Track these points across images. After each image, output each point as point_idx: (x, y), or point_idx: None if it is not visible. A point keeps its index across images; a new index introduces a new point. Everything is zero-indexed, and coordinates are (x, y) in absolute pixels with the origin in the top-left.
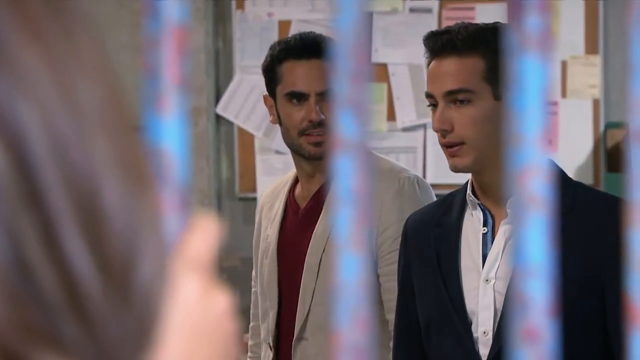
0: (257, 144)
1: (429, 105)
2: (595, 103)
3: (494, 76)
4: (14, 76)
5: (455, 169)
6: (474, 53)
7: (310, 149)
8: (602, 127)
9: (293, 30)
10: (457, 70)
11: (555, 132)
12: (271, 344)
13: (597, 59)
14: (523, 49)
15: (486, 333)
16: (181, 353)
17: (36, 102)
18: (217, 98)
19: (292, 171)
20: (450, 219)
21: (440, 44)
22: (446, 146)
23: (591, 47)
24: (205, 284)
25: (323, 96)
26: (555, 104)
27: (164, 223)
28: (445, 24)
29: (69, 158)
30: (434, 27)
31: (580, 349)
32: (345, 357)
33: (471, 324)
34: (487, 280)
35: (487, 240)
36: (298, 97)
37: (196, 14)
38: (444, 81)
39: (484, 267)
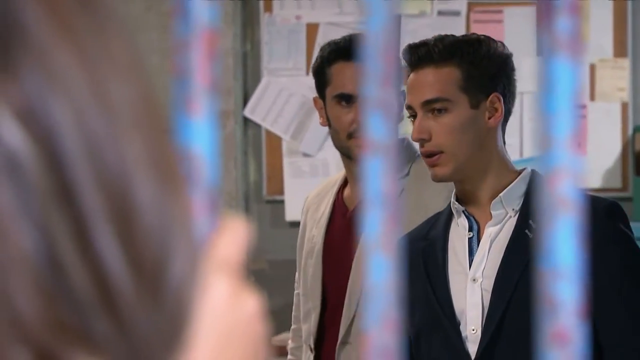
0: (284, 146)
1: (409, 117)
2: (624, 106)
3: (470, 86)
4: (47, 74)
5: (436, 178)
6: (449, 63)
7: (360, 151)
8: (630, 131)
9: (321, 33)
10: (434, 80)
11: (584, 135)
12: (312, 346)
13: (625, 62)
14: (553, 51)
15: (475, 330)
16: (210, 355)
17: (69, 100)
18: (245, 101)
19: (341, 172)
20: (437, 231)
21: (418, 56)
22: (426, 156)
23: (620, 50)
24: (234, 285)
25: None
26: (583, 107)
27: (195, 222)
28: (474, 26)
29: (101, 156)
30: (462, 30)
31: None
32: (375, 358)
33: (459, 324)
34: (474, 280)
35: (473, 244)
36: (347, 99)
37: (224, 17)
38: (422, 91)
39: (471, 268)
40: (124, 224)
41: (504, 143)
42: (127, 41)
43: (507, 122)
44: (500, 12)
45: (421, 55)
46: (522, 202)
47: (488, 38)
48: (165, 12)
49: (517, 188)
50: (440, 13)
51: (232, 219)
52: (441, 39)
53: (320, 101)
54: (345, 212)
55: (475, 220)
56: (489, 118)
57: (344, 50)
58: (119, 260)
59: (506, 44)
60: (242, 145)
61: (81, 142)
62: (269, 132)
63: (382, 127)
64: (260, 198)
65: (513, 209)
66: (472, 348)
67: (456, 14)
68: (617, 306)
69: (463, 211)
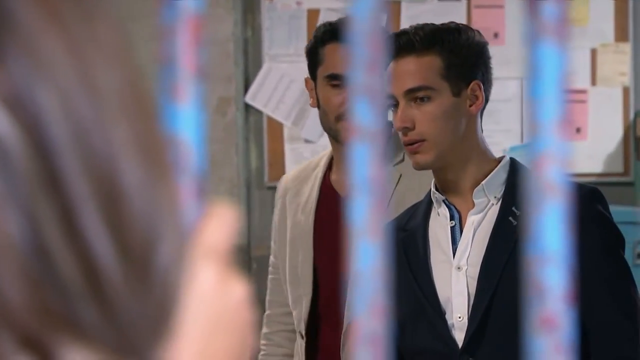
0: (286, 132)
1: (389, 107)
2: (625, 91)
3: (452, 74)
4: (33, 60)
5: (418, 166)
6: (431, 51)
7: (347, 135)
8: (632, 115)
9: (322, 19)
10: (415, 68)
11: (585, 120)
12: (303, 333)
13: (627, 47)
14: (540, 36)
15: (461, 318)
16: (197, 342)
17: (56, 86)
18: (246, 87)
19: (320, 156)
20: (416, 222)
21: (399, 45)
22: (408, 144)
23: (621, 35)
24: (221, 272)
25: None
26: (584, 92)
27: (182, 208)
28: (474, 12)
29: (88, 142)
30: (463, 16)
31: None
32: (362, 345)
33: (445, 312)
34: (458, 268)
35: (456, 233)
36: (338, 79)
37: (225, 3)
38: (404, 80)
39: (455, 256)
40: (111, 210)
41: (482, 131)
42: (114, 27)
43: (484, 109)
44: None
45: (402, 44)
46: (503, 189)
47: (465, 26)
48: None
49: (498, 176)
50: None
51: (219, 206)
52: (421, 28)
53: (311, 82)
54: (334, 196)
55: (456, 209)
56: (470, 106)
57: (338, 32)
58: (106, 245)
59: (506, 29)
60: (244, 132)
61: (68, 128)
62: (270, 119)
63: (369, 113)
64: (262, 184)
65: (495, 197)
66: (459, 336)
67: None
68: (599, 287)
69: (443, 200)
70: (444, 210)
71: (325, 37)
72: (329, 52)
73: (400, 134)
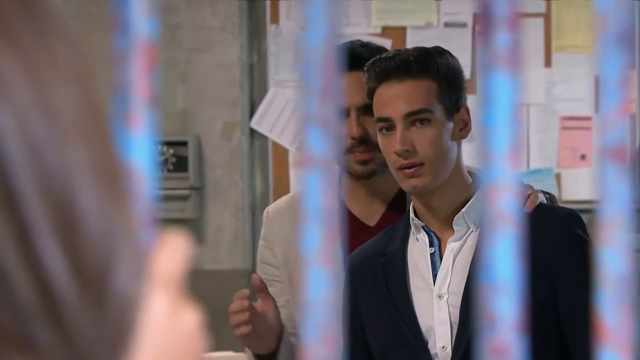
0: (291, 158)
1: (380, 130)
2: (632, 118)
3: (445, 97)
4: None
5: (414, 190)
6: (427, 75)
7: (357, 168)
8: (638, 142)
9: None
10: (415, 91)
11: (589, 147)
12: None
13: (633, 74)
14: (492, 65)
15: (445, 347)
16: None
17: (11, 106)
18: (252, 112)
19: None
20: (394, 246)
21: (394, 66)
22: (406, 168)
23: None
24: (173, 301)
25: (365, 110)
26: (589, 118)
27: (139, 231)
28: (480, 38)
29: (44, 163)
30: (468, 41)
31: None
32: None
33: (427, 343)
34: (439, 296)
35: (436, 260)
36: (341, 111)
37: (231, 28)
38: (403, 103)
39: (436, 284)
40: (67, 232)
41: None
42: (71, 49)
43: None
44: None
45: (398, 65)
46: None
47: (447, 51)
48: (174, 23)
49: (477, 202)
50: (446, 25)
51: (171, 234)
52: (412, 51)
53: None
54: (364, 227)
55: (435, 235)
56: (460, 130)
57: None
58: (62, 267)
59: None
60: (249, 157)
61: (24, 149)
62: (275, 144)
63: (321, 142)
64: None
65: (474, 224)
66: None
67: (462, 25)
68: (577, 310)
69: (423, 227)
70: (423, 237)
71: None
72: None
73: (394, 158)
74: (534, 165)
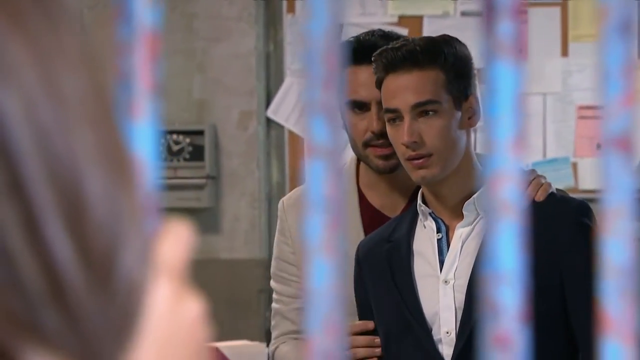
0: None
1: (389, 121)
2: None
3: (453, 87)
4: None
5: (423, 181)
6: (434, 65)
7: (378, 162)
8: None
9: (343, 34)
10: (422, 82)
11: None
12: None
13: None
14: (495, 54)
15: (449, 333)
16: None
17: (19, 91)
18: (268, 101)
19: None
20: (401, 233)
21: (400, 57)
22: (414, 159)
23: None
24: (176, 290)
25: None
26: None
27: (145, 216)
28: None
29: (51, 148)
30: None
31: (548, 356)
32: None
33: (431, 329)
34: (446, 282)
35: (443, 246)
36: (360, 106)
37: (247, 17)
38: (410, 94)
39: (442, 270)
40: (74, 216)
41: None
42: (79, 35)
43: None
44: (524, 12)
45: (404, 56)
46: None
47: (457, 39)
48: (191, 13)
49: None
50: (463, 14)
51: (175, 223)
52: (419, 41)
53: None
54: (385, 221)
55: (443, 222)
56: (469, 118)
57: (353, 54)
58: (68, 251)
59: (530, 44)
60: (265, 146)
61: (31, 135)
62: (291, 133)
63: (325, 130)
64: None
65: (484, 211)
66: (447, 351)
67: (480, 14)
68: (585, 301)
69: (430, 213)
70: (430, 223)
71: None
72: (347, 77)
73: (402, 149)
74: (550, 154)
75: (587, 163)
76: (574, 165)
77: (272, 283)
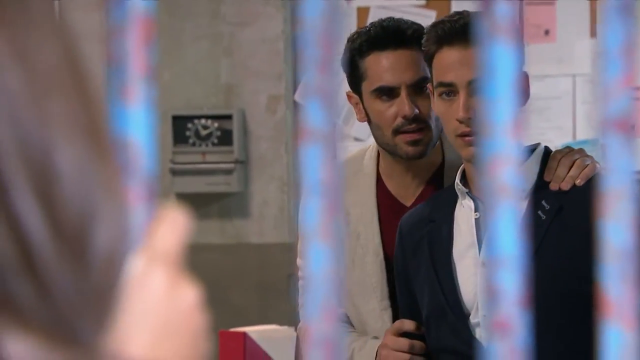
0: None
1: (440, 95)
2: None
3: None
4: None
5: (474, 158)
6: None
7: (408, 149)
8: None
9: (371, 17)
10: (475, 59)
11: (638, 117)
12: None
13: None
14: (493, 36)
15: (487, 316)
16: (147, 347)
17: None
18: (296, 85)
19: (359, 162)
20: (441, 212)
21: (458, 29)
22: (468, 135)
23: None
24: (172, 277)
25: (415, 88)
26: (638, 89)
27: (123, 188)
28: (526, 8)
29: (21, 117)
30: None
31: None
32: (315, 348)
33: (469, 314)
34: (484, 264)
35: (481, 226)
36: (388, 92)
37: (274, 1)
38: (468, 69)
39: (481, 251)
40: (44, 188)
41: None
42: (49, 7)
43: None
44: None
45: (461, 29)
46: (535, 181)
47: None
48: None
49: (529, 168)
50: None
51: (170, 209)
52: (475, 14)
53: (355, 96)
54: (401, 208)
55: (481, 201)
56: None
57: (376, 40)
58: (39, 222)
59: (557, 26)
60: (293, 130)
61: (0, 104)
62: None
63: (321, 114)
64: None
65: (524, 190)
66: (486, 334)
67: None
68: None
69: (467, 192)
70: (468, 202)
71: (364, 48)
72: (371, 65)
73: (455, 124)
74: (580, 136)
75: None
76: (601, 147)
77: (299, 260)
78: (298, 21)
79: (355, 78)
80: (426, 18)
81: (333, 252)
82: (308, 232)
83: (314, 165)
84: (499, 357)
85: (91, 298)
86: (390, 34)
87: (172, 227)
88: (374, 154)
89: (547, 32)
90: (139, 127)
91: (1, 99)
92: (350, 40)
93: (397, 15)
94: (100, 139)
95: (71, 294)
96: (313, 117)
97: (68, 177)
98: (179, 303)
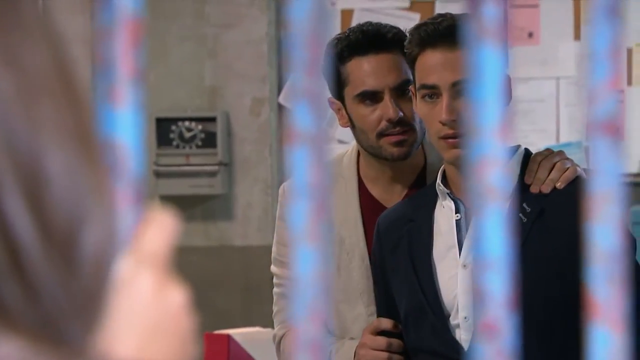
0: None
1: (423, 97)
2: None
3: None
4: None
5: (457, 160)
6: (460, 44)
7: (393, 150)
8: None
9: (355, 19)
10: (460, 60)
11: (622, 120)
12: None
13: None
14: (480, 39)
15: (467, 318)
16: (135, 349)
17: None
18: (280, 88)
19: (338, 166)
20: (422, 212)
21: (441, 32)
22: (452, 137)
23: None
24: (160, 279)
25: (398, 91)
26: (621, 91)
27: (112, 192)
28: (509, 11)
29: (9, 119)
30: None
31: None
32: (302, 351)
33: (449, 315)
34: (464, 266)
35: (462, 227)
36: (371, 96)
37: (259, 3)
38: (451, 71)
39: (461, 253)
40: (33, 190)
41: None
42: (40, 13)
43: None
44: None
45: (445, 31)
46: (516, 183)
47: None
48: None
49: (509, 170)
50: None
51: (158, 212)
52: (458, 16)
53: (337, 102)
54: (383, 211)
55: (462, 202)
56: None
57: (357, 44)
58: (27, 225)
59: (541, 28)
60: (277, 133)
61: None
62: None
63: (309, 116)
64: None
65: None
66: (465, 336)
67: None
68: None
69: (448, 194)
70: (449, 203)
71: (344, 54)
72: (353, 70)
73: (437, 127)
74: (564, 138)
75: None
76: (587, 149)
77: (273, 268)
78: (284, 23)
79: (337, 84)
80: (410, 20)
81: (321, 255)
82: (296, 235)
83: (302, 167)
84: (485, 359)
85: (79, 300)
86: (371, 38)
87: (160, 229)
88: (353, 158)
89: (530, 35)
90: (126, 130)
91: None
92: (330, 46)
93: (381, 17)
94: (88, 142)
95: (59, 296)
96: (301, 119)
97: (57, 181)
98: (166, 305)
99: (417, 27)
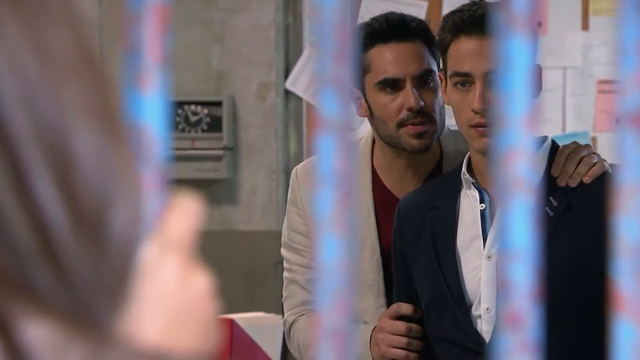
0: None
1: (455, 85)
2: None
3: None
4: None
5: (486, 149)
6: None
7: (413, 142)
8: None
9: (364, 6)
10: (491, 50)
11: None
12: None
13: None
14: (510, 29)
15: (489, 309)
16: (159, 334)
17: (3, 46)
18: (287, 73)
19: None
20: (446, 200)
21: (477, 19)
22: (482, 126)
23: None
24: (184, 264)
25: (420, 81)
26: None
27: (137, 174)
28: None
29: (37, 103)
30: None
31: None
32: (326, 339)
33: (471, 306)
34: (489, 257)
35: (486, 218)
36: (392, 84)
37: None
38: (485, 60)
39: (485, 244)
40: (62, 173)
41: None
42: None
43: None
44: None
45: (480, 19)
46: (542, 176)
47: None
48: None
49: (537, 162)
50: None
51: (183, 196)
52: (486, 5)
53: (356, 91)
54: (396, 203)
55: (487, 193)
56: None
57: (380, 32)
58: (58, 208)
59: (551, 18)
60: (283, 118)
61: (17, 90)
62: (310, 105)
63: (335, 104)
64: None
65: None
66: (487, 327)
67: None
68: None
69: (473, 183)
70: (473, 192)
71: (367, 41)
72: (375, 57)
73: (469, 115)
74: (570, 129)
75: (607, 137)
76: (594, 140)
77: (283, 251)
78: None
79: (358, 72)
80: (418, 9)
81: (346, 243)
82: (321, 222)
83: (328, 155)
84: (509, 350)
85: (108, 283)
86: (394, 27)
87: (185, 214)
88: (367, 148)
89: (538, 24)
90: (153, 115)
91: (17, 85)
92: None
93: (390, 5)
94: (115, 125)
95: (89, 279)
96: (328, 106)
97: (85, 162)
98: (191, 290)
99: (452, 14)
